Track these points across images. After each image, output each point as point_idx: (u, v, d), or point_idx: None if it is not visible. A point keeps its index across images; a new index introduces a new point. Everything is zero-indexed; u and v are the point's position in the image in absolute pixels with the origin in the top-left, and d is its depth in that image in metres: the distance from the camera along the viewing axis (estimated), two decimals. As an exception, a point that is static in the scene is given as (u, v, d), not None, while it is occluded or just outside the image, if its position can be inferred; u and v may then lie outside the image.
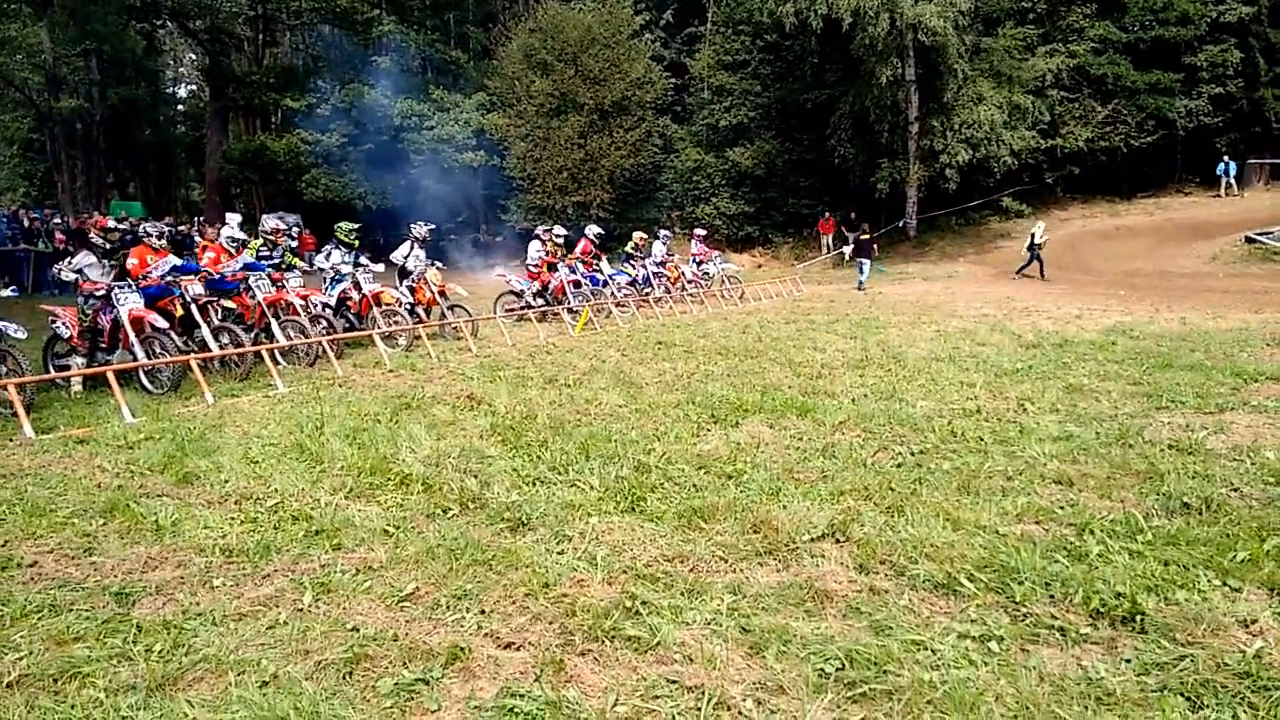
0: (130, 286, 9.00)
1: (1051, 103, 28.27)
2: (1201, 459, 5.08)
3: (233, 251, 11.01)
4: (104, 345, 9.14)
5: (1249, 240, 21.77)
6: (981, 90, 26.19)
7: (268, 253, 11.73)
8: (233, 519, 4.57)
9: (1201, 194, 30.32)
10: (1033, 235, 21.69)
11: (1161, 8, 28.72)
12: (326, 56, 39.19)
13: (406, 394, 8.13)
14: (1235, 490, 4.52)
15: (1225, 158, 29.33)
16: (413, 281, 13.02)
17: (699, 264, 19.87)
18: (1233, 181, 29.36)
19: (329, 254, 12.57)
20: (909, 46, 25.79)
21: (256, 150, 36.41)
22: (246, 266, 10.87)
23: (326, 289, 12.21)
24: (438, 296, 13.04)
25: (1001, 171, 27.55)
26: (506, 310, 14.76)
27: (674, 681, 2.91)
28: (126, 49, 35.60)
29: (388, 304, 12.05)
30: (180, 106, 50.30)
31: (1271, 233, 21.55)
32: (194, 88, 51.73)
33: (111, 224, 9.63)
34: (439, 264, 13.83)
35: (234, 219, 15.27)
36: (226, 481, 5.21)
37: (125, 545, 4.26)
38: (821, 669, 2.94)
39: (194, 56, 47.49)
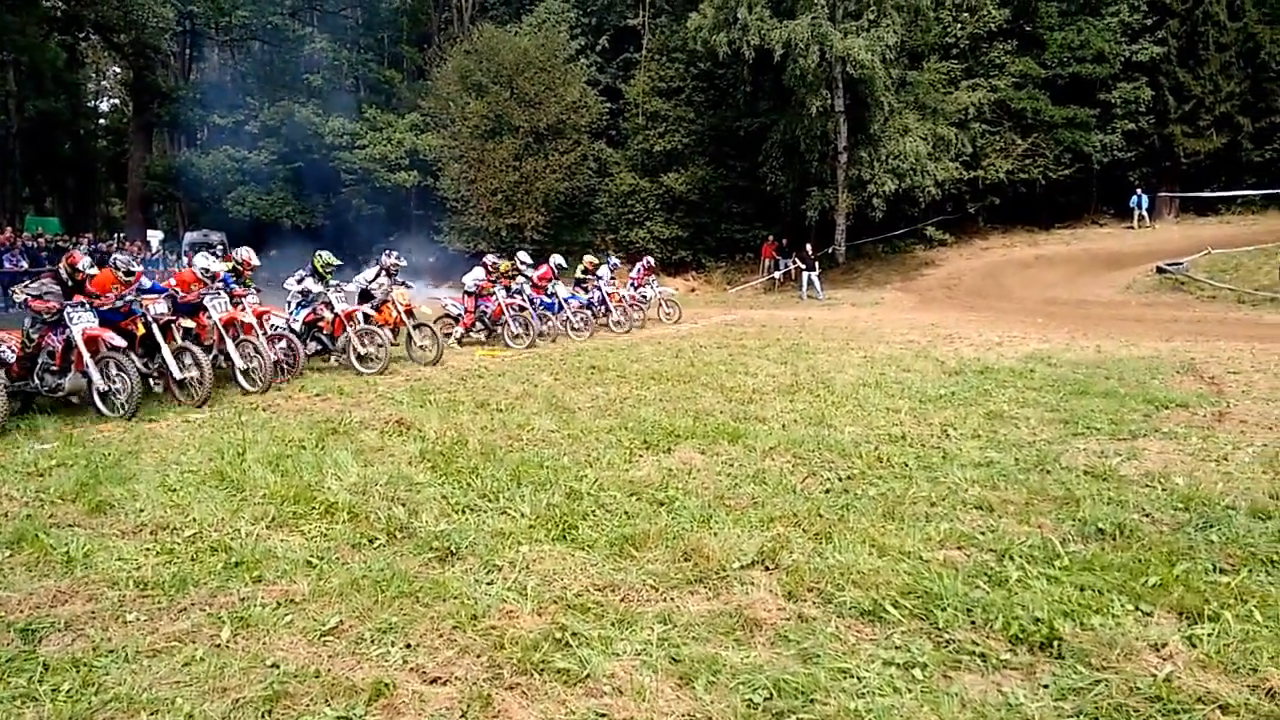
0: (84, 305, 8.53)
1: (974, 135, 29.25)
2: (1115, 485, 5.24)
3: (206, 282, 10.63)
4: (55, 368, 8.56)
5: (1160, 270, 22.64)
6: (907, 122, 26.96)
7: (234, 281, 11.38)
8: (148, 550, 4.40)
9: (1116, 225, 31.69)
10: None
11: (1079, 46, 30.01)
12: (256, 73, 38.51)
13: (333, 419, 7.95)
14: (1147, 516, 4.67)
15: (1138, 191, 30.67)
16: (376, 303, 12.75)
17: (636, 287, 20.01)
18: (1145, 214, 30.68)
19: (301, 279, 12.33)
20: (838, 78, 26.45)
21: (181, 166, 35.59)
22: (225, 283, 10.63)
23: (291, 313, 11.97)
24: (404, 316, 12.80)
25: (926, 201, 28.40)
26: (446, 335, 14.61)
27: (603, 715, 2.88)
28: (46, 61, 34.45)
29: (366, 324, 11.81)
30: (102, 120, 48.97)
31: (1180, 264, 22.45)
32: (116, 102, 50.38)
33: (83, 264, 9.24)
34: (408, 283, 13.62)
35: (155, 235, 14.78)
36: (142, 510, 5.02)
37: (33, 578, 4.08)
38: (750, 699, 2.94)
39: (117, 70, 46.28)
